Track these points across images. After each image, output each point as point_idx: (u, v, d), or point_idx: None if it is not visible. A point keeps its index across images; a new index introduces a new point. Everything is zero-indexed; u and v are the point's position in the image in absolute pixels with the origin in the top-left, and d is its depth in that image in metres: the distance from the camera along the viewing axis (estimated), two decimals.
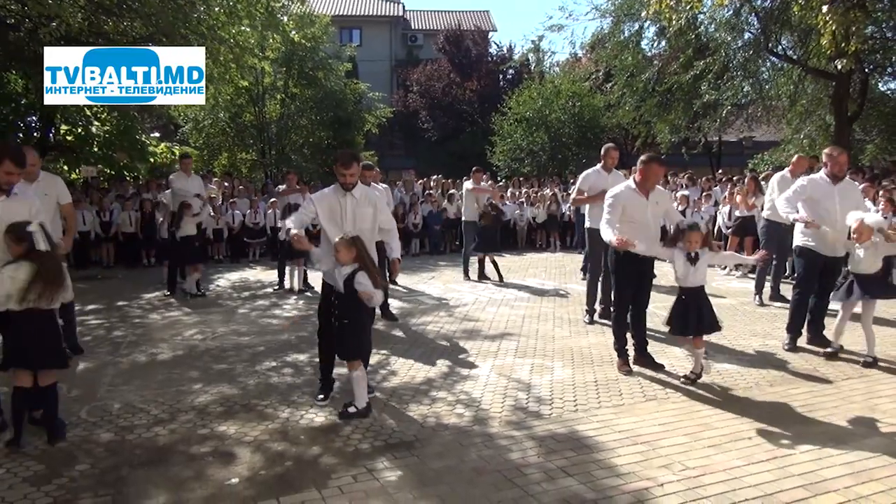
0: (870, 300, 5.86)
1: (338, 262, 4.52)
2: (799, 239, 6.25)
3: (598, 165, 7.66)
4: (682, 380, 5.30)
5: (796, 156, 8.87)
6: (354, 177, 4.81)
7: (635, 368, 5.66)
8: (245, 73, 12.98)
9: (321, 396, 4.88)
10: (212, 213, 9.83)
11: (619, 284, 5.72)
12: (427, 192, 16.66)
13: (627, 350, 5.75)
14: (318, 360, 5.08)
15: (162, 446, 4.09)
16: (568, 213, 15.64)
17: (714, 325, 5.30)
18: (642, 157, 5.62)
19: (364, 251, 4.55)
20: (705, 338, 5.39)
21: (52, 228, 5.57)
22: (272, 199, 12.29)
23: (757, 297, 8.64)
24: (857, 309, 5.97)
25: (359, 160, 4.94)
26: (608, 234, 5.28)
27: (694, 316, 5.19)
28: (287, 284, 9.95)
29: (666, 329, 5.52)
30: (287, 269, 9.96)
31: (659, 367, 5.64)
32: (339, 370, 5.45)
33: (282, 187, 10.88)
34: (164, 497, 3.44)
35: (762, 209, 9.31)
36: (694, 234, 5.17)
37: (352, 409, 4.53)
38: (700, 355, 5.28)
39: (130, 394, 5.07)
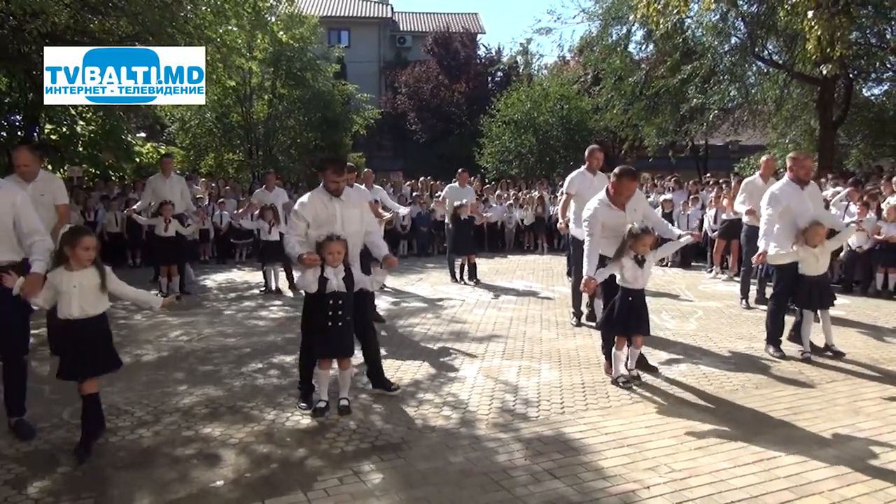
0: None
1: (331, 264, 4.52)
2: (773, 251, 6.32)
3: (584, 167, 7.66)
4: (621, 382, 5.31)
5: (764, 157, 8.95)
6: (344, 183, 4.86)
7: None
8: (232, 73, 12.91)
9: (304, 405, 4.76)
10: (191, 224, 9.69)
11: (607, 292, 5.70)
12: (414, 193, 16.64)
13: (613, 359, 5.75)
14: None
15: (146, 448, 4.05)
16: (555, 215, 15.66)
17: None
18: (615, 171, 5.55)
19: (349, 252, 4.67)
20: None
21: (47, 228, 5.54)
22: (250, 202, 12.04)
23: (743, 300, 8.70)
24: None
25: (348, 168, 4.96)
26: (588, 263, 5.30)
27: (635, 316, 5.26)
28: (273, 286, 9.90)
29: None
30: (269, 272, 9.90)
31: (653, 370, 5.65)
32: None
33: (259, 190, 10.80)
34: (147, 499, 3.40)
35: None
36: (647, 238, 5.23)
37: (346, 402, 4.62)
38: (636, 355, 5.44)
39: (114, 395, 5.01)
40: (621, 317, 5.28)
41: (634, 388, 5.25)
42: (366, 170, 10.53)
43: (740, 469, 3.76)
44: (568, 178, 7.79)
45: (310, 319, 4.74)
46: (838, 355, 6.14)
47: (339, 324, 4.55)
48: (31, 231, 4.22)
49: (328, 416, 4.54)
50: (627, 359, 5.47)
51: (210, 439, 4.18)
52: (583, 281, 5.27)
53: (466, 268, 10.96)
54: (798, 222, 6.06)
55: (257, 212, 10.14)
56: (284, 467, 3.78)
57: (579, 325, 7.48)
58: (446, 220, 11.30)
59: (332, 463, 3.83)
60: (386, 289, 9.97)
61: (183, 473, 3.69)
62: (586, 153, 7.69)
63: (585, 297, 7.55)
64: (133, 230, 12.78)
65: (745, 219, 8.42)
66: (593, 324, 7.34)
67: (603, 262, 5.43)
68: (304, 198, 4.96)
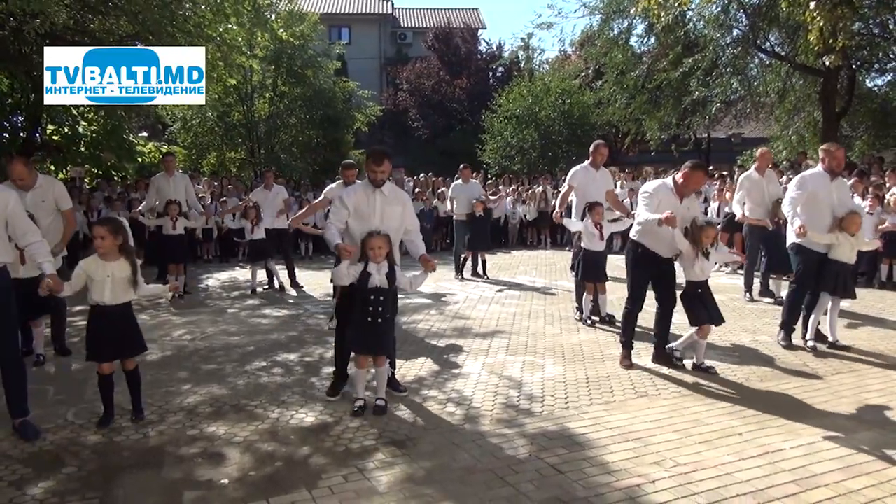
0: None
1: (373, 259, 4.52)
2: (793, 237, 6.25)
3: (587, 162, 7.66)
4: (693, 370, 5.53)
5: (759, 150, 8.88)
6: (385, 173, 4.83)
7: (637, 362, 5.73)
8: (233, 71, 12.88)
9: (332, 393, 4.92)
10: (192, 220, 9.67)
11: (634, 282, 5.72)
12: (416, 189, 16.62)
13: (633, 345, 5.80)
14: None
15: (151, 448, 4.05)
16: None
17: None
18: (688, 163, 5.54)
19: (392, 248, 4.67)
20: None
21: (51, 232, 5.54)
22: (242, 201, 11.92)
23: (747, 293, 8.67)
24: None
25: (390, 157, 4.92)
26: (647, 216, 5.33)
27: (704, 306, 5.49)
28: (276, 284, 9.91)
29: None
30: (255, 271, 9.89)
31: (677, 365, 5.67)
32: (330, 369, 5.45)
33: (256, 189, 10.76)
34: (152, 499, 3.41)
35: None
36: (710, 230, 5.45)
37: (382, 402, 4.62)
38: (703, 347, 5.61)
39: (118, 395, 4.97)
40: (699, 309, 5.47)
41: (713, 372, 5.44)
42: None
43: (745, 462, 3.75)
44: (571, 171, 7.79)
45: (349, 314, 4.69)
46: (844, 349, 6.13)
47: (380, 320, 4.52)
48: (25, 232, 4.23)
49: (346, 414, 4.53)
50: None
51: (214, 438, 4.18)
52: (665, 217, 5.11)
53: (477, 263, 10.95)
54: (823, 211, 6.05)
55: (239, 212, 10.18)
56: (289, 465, 3.78)
57: (582, 320, 7.46)
58: (455, 218, 11.25)
59: (336, 461, 3.83)
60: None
61: (188, 472, 3.69)
62: (591, 148, 7.70)
63: (588, 294, 7.54)
64: (136, 229, 12.74)
65: (738, 216, 8.56)
66: (597, 318, 7.34)
67: (637, 248, 5.61)
68: (350, 188, 5.05)
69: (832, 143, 6.62)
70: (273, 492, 3.45)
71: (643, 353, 5.89)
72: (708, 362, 5.64)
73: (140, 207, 9.81)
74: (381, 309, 4.51)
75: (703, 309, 5.47)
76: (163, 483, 3.57)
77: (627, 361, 5.69)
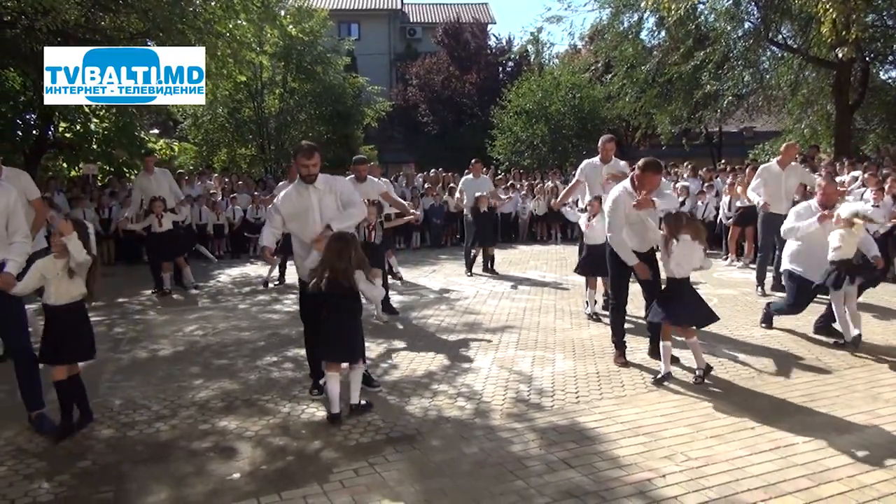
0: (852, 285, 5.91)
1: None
2: (787, 263, 6.34)
3: (596, 157, 7.63)
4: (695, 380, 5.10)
5: (784, 144, 8.80)
6: (317, 167, 4.79)
7: (638, 360, 5.67)
8: (243, 67, 12.92)
9: (317, 391, 4.88)
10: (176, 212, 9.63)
11: (614, 279, 5.70)
12: (426, 185, 16.63)
13: (625, 342, 5.75)
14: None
15: (163, 442, 4.09)
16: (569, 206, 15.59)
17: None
18: (639, 163, 5.38)
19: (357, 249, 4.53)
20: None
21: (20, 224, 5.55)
22: (266, 196, 11.85)
23: (759, 287, 8.62)
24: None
25: (319, 151, 4.89)
26: (624, 253, 5.30)
27: (683, 305, 5.18)
28: (287, 280, 9.93)
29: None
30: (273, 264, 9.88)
31: (674, 361, 5.56)
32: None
33: (282, 183, 10.61)
34: (165, 493, 3.43)
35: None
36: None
37: (364, 402, 4.58)
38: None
39: (131, 390, 5.07)
40: (673, 305, 5.18)
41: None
42: (371, 163, 10.42)
43: (757, 457, 3.74)
44: (581, 165, 7.78)
45: (307, 314, 4.73)
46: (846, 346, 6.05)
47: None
48: (15, 231, 4.24)
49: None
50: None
51: (226, 432, 4.21)
52: (638, 269, 5.21)
53: (484, 259, 10.96)
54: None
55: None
56: (300, 459, 3.80)
57: (589, 315, 7.43)
58: (465, 213, 11.24)
59: (347, 455, 3.85)
60: (402, 282, 9.96)
61: (200, 467, 3.72)
62: (599, 143, 7.64)
63: (601, 287, 7.52)
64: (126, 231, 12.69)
65: (753, 202, 8.49)
66: (607, 313, 7.30)
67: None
68: (283, 192, 4.99)
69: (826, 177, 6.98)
70: (284, 486, 3.47)
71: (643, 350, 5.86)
72: (720, 355, 5.59)
73: (127, 214, 9.72)
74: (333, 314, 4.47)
75: (682, 307, 5.10)
76: (175, 477, 3.60)
77: (622, 360, 5.63)
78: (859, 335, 5.83)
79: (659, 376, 5.13)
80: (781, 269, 6.59)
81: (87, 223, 4.39)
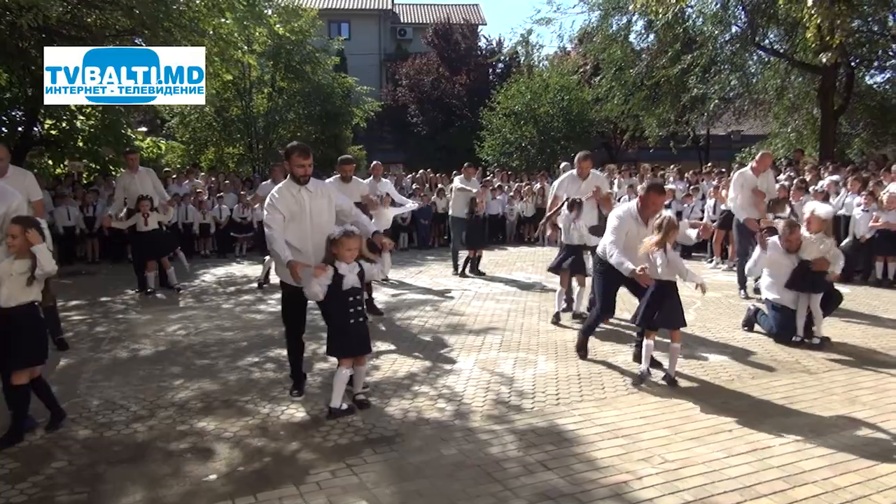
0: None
1: (346, 260, 4.44)
2: (765, 293, 6.66)
3: (574, 171, 7.68)
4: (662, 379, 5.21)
5: (760, 153, 8.87)
6: (311, 168, 4.75)
7: (619, 363, 5.70)
8: (230, 66, 12.84)
9: (297, 392, 4.88)
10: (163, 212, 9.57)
11: (603, 291, 5.66)
12: (415, 186, 16.61)
13: (588, 342, 5.91)
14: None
15: (140, 443, 4.06)
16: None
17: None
18: (643, 185, 5.60)
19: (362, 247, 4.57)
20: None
21: None
22: (252, 196, 11.68)
23: (742, 290, 8.67)
24: None
25: (311, 152, 4.87)
26: (625, 261, 5.21)
27: (659, 308, 5.19)
28: (272, 279, 9.89)
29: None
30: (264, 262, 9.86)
31: (657, 365, 5.55)
32: (323, 365, 5.47)
33: (265, 183, 10.52)
34: (140, 494, 3.41)
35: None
36: (674, 232, 5.16)
37: (363, 397, 4.65)
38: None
39: (110, 390, 5.03)
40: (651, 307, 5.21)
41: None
42: (375, 162, 10.38)
43: (734, 459, 3.76)
44: (557, 181, 7.81)
45: (329, 320, 4.59)
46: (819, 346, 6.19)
47: (361, 319, 4.50)
48: None
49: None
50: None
51: (204, 433, 4.19)
52: (640, 277, 5.08)
53: (472, 260, 10.96)
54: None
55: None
56: (277, 461, 3.79)
57: (577, 316, 7.45)
58: (450, 213, 11.24)
59: (325, 456, 3.84)
60: (388, 282, 9.96)
61: (176, 468, 3.70)
62: (575, 160, 7.68)
63: (577, 288, 7.54)
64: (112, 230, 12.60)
65: (740, 219, 8.50)
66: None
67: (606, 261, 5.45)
68: (275, 191, 4.82)
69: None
70: (261, 487, 3.45)
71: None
72: (701, 358, 5.62)
73: (110, 211, 9.64)
74: (360, 308, 4.49)
75: (658, 311, 5.11)
76: (151, 478, 3.57)
77: (583, 352, 5.82)
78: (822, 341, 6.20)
79: (638, 373, 5.25)
80: (763, 299, 6.87)
81: (40, 220, 4.37)
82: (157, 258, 9.26)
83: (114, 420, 4.42)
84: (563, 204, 7.43)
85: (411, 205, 10.96)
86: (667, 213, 5.27)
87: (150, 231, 9.02)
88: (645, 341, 5.28)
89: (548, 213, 7.99)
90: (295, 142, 5.24)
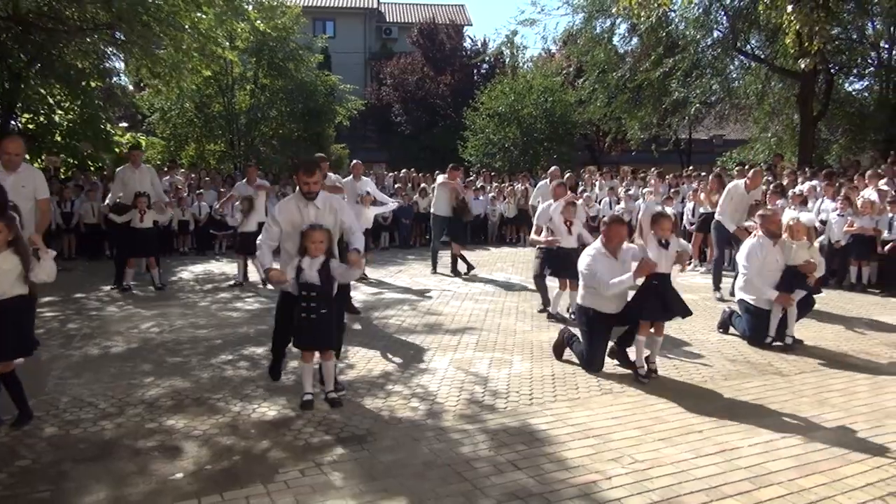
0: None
1: (312, 253, 4.48)
2: (743, 295, 6.64)
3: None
4: (641, 378, 5.23)
5: (752, 171, 9.00)
6: (318, 185, 4.76)
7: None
8: (210, 62, 12.73)
9: (272, 377, 4.98)
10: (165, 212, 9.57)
11: (593, 347, 5.49)
12: (396, 185, 16.59)
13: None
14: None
15: (107, 441, 4.00)
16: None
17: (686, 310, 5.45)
18: (606, 219, 5.67)
19: (331, 243, 4.64)
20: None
21: (28, 222, 5.45)
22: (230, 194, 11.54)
23: (717, 292, 8.74)
24: None
25: (321, 167, 4.86)
26: (615, 280, 5.24)
27: (660, 302, 5.31)
28: (251, 278, 9.83)
29: None
30: (240, 262, 9.81)
31: (632, 366, 5.50)
32: (296, 364, 5.43)
33: (240, 183, 10.44)
34: (104, 492, 3.36)
35: None
36: (665, 222, 5.42)
37: (342, 394, 4.66)
38: (659, 343, 5.45)
39: (80, 387, 4.96)
40: (646, 302, 5.30)
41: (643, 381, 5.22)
42: (354, 161, 10.37)
43: (702, 459, 3.78)
44: (540, 208, 8.11)
45: (283, 311, 4.71)
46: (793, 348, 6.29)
47: (313, 316, 4.47)
48: None
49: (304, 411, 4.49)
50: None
51: (173, 431, 4.14)
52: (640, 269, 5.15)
53: (457, 260, 10.90)
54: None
55: (237, 203, 9.94)
56: (246, 459, 3.75)
57: (553, 317, 7.48)
58: (432, 211, 11.20)
59: (295, 455, 3.81)
60: (367, 280, 9.93)
61: (142, 466, 3.65)
62: (550, 187, 7.94)
63: (557, 290, 7.59)
64: (109, 221, 12.58)
65: (731, 230, 8.50)
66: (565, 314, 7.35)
67: (588, 312, 5.47)
68: (282, 202, 4.90)
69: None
70: (228, 486, 3.42)
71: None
72: (675, 359, 5.66)
73: (108, 202, 9.58)
74: (313, 305, 4.47)
75: (658, 301, 5.27)
76: (116, 476, 3.52)
77: (559, 353, 5.86)
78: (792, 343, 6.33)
79: (638, 373, 5.29)
80: (736, 299, 6.92)
81: (14, 214, 4.32)
82: (144, 256, 9.17)
83: (81, 417, 4.35)
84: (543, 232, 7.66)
85: (392, 204, 10.95)
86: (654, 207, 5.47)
87: (145, 228, 8.96)
88: (637, 336, 5.33)
89: (533, 238, 8.02)
90: (305, 157, 5.30)
